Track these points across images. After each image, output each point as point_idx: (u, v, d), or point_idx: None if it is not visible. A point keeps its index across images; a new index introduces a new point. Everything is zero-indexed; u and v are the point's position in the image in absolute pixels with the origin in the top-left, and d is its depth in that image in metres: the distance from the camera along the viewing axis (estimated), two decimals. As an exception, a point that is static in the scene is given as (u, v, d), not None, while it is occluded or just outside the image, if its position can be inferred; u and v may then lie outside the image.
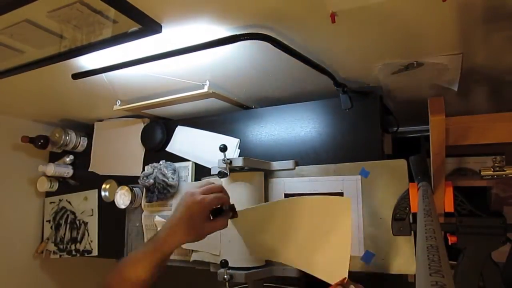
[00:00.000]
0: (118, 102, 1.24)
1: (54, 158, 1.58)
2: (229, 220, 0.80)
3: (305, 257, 0.89)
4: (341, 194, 0.98)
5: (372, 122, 1.00)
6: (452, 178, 0.81)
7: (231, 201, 0.79)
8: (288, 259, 0.92)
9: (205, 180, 1.14)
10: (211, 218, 0.74)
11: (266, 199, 1.07)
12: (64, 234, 1.51)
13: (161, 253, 0.69)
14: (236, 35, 0.73)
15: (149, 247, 0.70)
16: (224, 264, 0.89)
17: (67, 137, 1.45)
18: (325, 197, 0.90)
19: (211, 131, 1.24)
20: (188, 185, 1.22)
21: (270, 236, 0.95)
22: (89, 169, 1.49)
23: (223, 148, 0.95)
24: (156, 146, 1.32)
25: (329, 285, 0.79)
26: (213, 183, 0.78)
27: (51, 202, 1.57)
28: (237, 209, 0.81)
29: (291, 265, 0.93)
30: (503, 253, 0.81)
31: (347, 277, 0.78)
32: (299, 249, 0.90)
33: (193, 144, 1.27)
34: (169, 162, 1.26)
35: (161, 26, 0.73)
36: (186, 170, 1.25)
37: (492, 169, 0.75)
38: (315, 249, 0.87)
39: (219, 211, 0.75)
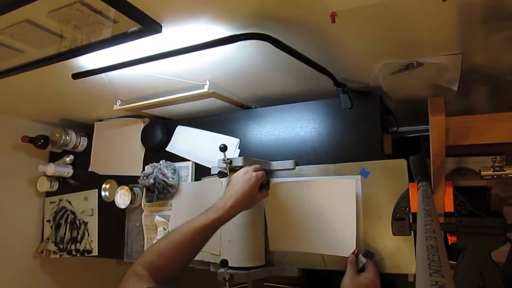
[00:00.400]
0: (118, 102, 1.24)
1: (54, 158, 1.58)
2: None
3: (315, 239, 0.98)
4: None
5: (372, 122, 1.00)
6: (452, 178, 0.81)
7: None
8: (298, 245, 1.00)
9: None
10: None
11: (266, 199, 1.06)
12: (64, 234, 1.51)
13: (227, 218, 0.84)
14: (236, 35, 0.73)
15: (216, 213, 0.82)
16: (224, 264, 0.89)
17: (67, 137, 1.46)
18: (330, 180, 0.99)
19: (211, 131, 1.24)
20: (189, 185, 1.22)
21: (279, 224, 1.02)
22: (89, 169, 1.49)
23: (223, 148, 0.95)
24: (156, 146, 1.32)
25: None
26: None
27: (51, 202, 1.57)
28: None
29: (300, 251, 1.00)
30: (503, 253, 0.81)
31: (356, 248, 0.91)
32: (310, 232, 0.99)
33: (193, 144, 1.27)
34: (169, 162, 1.26)
35: (161, 26, 0.73)
36: (186, 170, 1.25)
37: (492, 169, 0.75)
38: (325, 230, 0.97)
39: (261, 185, 0.94)
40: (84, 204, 1.49)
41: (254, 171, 0.92)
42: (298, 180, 1.04)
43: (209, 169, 1.16)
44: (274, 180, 1.07)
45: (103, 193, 1.42)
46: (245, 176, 0.90)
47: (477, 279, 0.75)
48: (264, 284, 1.04)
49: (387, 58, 0.87)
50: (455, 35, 0.75)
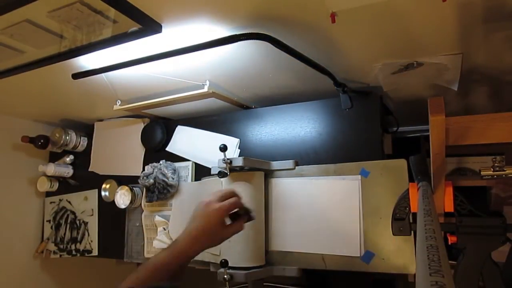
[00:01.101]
0: (118, 102, 1.24)
1: (54, 158, 1.58)
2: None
3: (319, 239, 0.97)
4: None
5: (372, 122, 1.00)
6: (452, 178, 0.81)
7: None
8: (300, 245, 0.99)
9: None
10: (228, 222, 0.76)
11: (266, 199, 1.06)
12: (64, 234, 1.51)
13: (187, 258, 0.72)
14: (236, 35, 0.73)
15: (173, 252, 0.72)
16: (224, 264, 0.89)
17: (67, 137, 1.46)
18: (334, 179, 0.98)
19: (211, 131, 1.24)
20: (189, 185, 1.22)
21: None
22: (89, 169, 1.49)
23: (223, 148, 0.95)
24: (156, 146, 1.32)
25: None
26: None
27: (51, 202, 1.57)
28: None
29: (303, 251, 0.99)
30: (503, 253, 0.81)
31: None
32: (313, 232, 0.98)
33: (193, 144, 1.27)
34: (169, 162, 1.26)
35: (161, 26, 0.73)
36: (186, 170, 1.25)
37: (492, 169, 0.75)
38: (329, 230, 0.96)
39: (236, 215, 0.77)
40: (84, 204, 1.49)
41: (219, 201, 0.75)
42: (301, 180, 1.03)
43: (209, 169, 1.16)
44: (276, 180, 1.07)
45: (103, 193, 1.42)
46: (205, 210, 0.74)
47: (477, 279, 0.75)
48: (264, 284, 1.04)
49: (387, 58, 0.87)
50: (455, 35, 0.75)
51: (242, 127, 1.19)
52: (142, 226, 1.30)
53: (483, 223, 0.76)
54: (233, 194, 0.77)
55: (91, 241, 1.44)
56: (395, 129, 1.19)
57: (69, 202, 1.53)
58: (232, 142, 1.18)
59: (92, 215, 1.46)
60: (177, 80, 1.03)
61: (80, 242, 1.46)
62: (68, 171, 1.52)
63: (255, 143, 1.16)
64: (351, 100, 1.02)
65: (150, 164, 1.27)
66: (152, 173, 1.22)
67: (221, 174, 1.00)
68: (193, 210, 0.76)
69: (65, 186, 1.55)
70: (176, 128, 1.32)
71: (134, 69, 0.92)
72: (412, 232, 0.83)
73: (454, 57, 0.82)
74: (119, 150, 1.43)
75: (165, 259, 0.72)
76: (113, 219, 1.38)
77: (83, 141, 1.51)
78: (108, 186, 1.42)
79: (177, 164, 1.26)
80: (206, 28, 0.75)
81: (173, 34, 0.77)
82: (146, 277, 0.72)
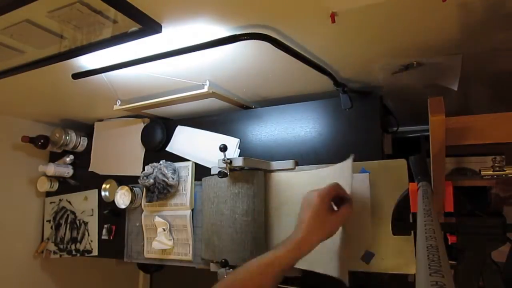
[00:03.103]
0: (118, 102, 1.25)
1: (54, 158, 1.58)
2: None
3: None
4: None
5: (372, 122, 1.00)
6: (452, 178, 0.80)
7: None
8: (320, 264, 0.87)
9: None
10: (335, 209, 0.76)
11: (266, 199, 1.06)
12: (64, 234, 1.51)
13: (300, 252, 0.70)
14: (236, 35, 0.73)
15: (286, 246, 0.69)
16: (224, 263, 0.89)
17: (67, 137, 1.46)
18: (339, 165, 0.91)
19: (211, 131, 1.24)
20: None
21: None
22: (89, 169, 1.49)
23: (223, 148, 0.95)
24: (156, 146, 1.32)
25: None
26: None
27: (51, 202, 1.57)
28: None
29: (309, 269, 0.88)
30: (503, 253, 0.81)
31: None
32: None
33: (193, 144, 1.27)
34: (169, 162, 1.26)
35: (161, 26, 0.73)
36: (186, 170, 1.25)
37: (492, 169, 0.75)
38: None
39: (341, 201, 0.77)
40: (84, 204, 1.49)
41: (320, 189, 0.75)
42: (301, 178, 1.03)
43: (209, 169, 1.16)
44: (275, 174, 1.07)
45: (103, 193, 1.42)
46: (307, 198, 0.74)
47: (477, 279, 0.75)
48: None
49: (387, 58, 0.87)
50: (455, 35, 0.75)
51: (242, 127, 1.19)
52: (142, 226, 1.30)
53: (483, 223, 0.76)
54: (334, 184, 0.76)
55: (91, 241, 1.44)
56: (395, 129, 1.19)
57: (69, 202, 1.53)
58: (232, 142, 1.18)
59: (92, 215, 1.46)
60: (177, 80, 1.03)
61: (80, 242, 1.46)
62: (68, 171, 1.52)
63: (255, 143, 1.16)
64: (351, 100, 1.02)
65: (150, 164, 1.26)
66: (152, 173, 1.22)
67: (221, 174, 1.00)
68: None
69: (65, 186, 1.55)
70: (176, 128, 1.32)
71: (134, 69, 0.92)
72: (412, 232, 0.83)
73: (454, 57, 0.82)
74: (119, 150, 1.43)
75: (275, 254, 0.69)
76: (113, 219, 1.38)
77: (83, 141, 1.51)
78: (108, 186, 1.42)
79: (177, 164, 1.26)
80: (206, 28, 0.75)
81: (173, 34, 0.77)
82: (248, 277, 0.68)
